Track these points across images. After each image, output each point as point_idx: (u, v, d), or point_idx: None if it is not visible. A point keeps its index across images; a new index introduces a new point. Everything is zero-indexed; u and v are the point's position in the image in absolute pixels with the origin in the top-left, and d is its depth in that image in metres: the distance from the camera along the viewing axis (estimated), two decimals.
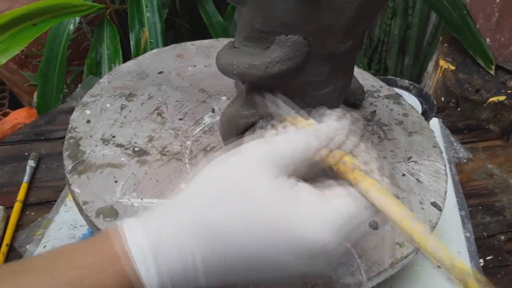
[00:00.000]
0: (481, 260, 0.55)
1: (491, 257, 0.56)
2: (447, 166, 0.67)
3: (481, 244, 0.58)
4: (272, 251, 0.28)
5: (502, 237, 0.59)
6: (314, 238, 0.27)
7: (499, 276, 0.54)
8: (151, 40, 0.92)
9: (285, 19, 0.36)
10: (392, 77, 0.72)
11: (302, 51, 0.37)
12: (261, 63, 0.37)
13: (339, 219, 0.28)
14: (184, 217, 0.28)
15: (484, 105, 0.86)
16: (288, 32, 0.36)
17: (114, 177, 0.43)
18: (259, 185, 0.28)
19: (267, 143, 0.31)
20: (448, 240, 0.57)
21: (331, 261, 0.29)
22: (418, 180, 0.48)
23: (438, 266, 0.53)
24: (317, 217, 0.28)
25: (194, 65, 0.61)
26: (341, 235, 0.28)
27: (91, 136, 0.47)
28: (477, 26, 0.93)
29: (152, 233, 0.27)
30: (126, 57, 1.01)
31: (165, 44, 0.93)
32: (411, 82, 0.71)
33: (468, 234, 0.58)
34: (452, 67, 0.96)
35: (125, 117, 0.51)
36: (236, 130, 0.43)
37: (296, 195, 0.29)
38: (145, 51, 0.91)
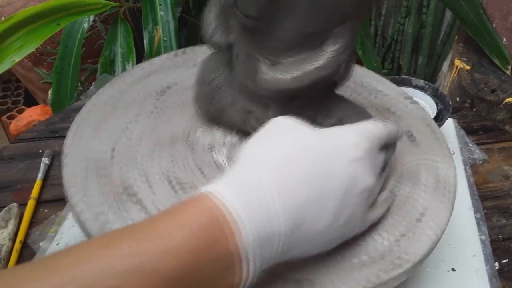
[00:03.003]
0: (497, 264, 0.55)
1: (506, 260, 0.56)
2: (462, 167, 0.67)
3: (497, 247, 0.57)
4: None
5: None
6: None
7: None
8: (165, 39, 0.92)
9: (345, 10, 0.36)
10: (407, 77, 0.71)
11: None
12: (330, 57, 0.37)
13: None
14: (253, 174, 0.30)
15: (500, 105, 0.85)
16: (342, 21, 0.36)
17: None
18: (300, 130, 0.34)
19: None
20: (463, 243, 0.56)
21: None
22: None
23: (453, 269, 0.52)
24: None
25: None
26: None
27: None
28: (494, 25, 0.92)
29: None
30: (140, 55, 1.02)
31: (178, 42, 0.93)
32: (426, 82, 0.70)
33: (483, 237, 0.57)
34: (468, 67, 0.94)
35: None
36: None
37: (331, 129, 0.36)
38: (158, 49, 0.91)
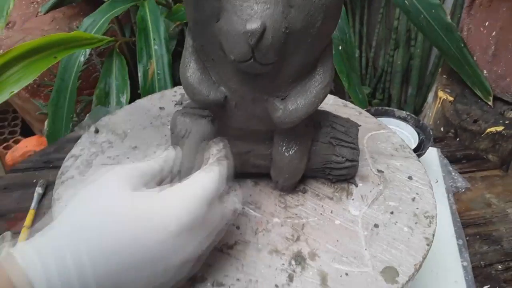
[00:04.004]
0: None
1: (488, 286, 0.57)
2: (445, 195, 0.68)
3: (479, 273, 0.58)
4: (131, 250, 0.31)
5: (500, 267, 0.59)
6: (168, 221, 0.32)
7: None
8: (158, 72, 0.95)
9: None
10: (390, 108, 0.74)
11: None
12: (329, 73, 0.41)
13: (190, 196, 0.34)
14: (64, 241, 0.30)
15: (482, 135, 0.87)
16: None
17: None
18: (115, 199, 0.33)
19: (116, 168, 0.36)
20: (445, 269, 0.57)
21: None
22: None
23: None
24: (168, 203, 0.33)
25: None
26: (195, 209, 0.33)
27: None
28: (475, 58, 0.95)
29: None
30: (134, 88, 1.04)
31: (172, 74, 0.96)
32: (408, 113, 0.73)
33: (465, 263, 0.59)
34: (451, 98, 0.97)
35: None
36: None
37: (150, 196, 0.34)
38: (152, 82, 0.94)
